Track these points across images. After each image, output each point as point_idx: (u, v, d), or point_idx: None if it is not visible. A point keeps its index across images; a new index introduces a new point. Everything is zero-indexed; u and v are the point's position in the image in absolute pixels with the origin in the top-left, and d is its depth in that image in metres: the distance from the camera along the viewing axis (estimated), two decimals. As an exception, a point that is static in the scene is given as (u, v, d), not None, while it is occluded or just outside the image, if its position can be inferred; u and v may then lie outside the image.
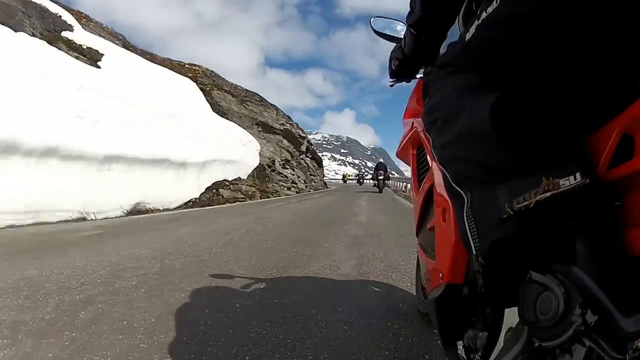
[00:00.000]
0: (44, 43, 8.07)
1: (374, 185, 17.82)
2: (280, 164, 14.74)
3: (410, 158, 1.28)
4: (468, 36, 0.56)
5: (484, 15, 0.51)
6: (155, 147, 7.40)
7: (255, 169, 12.08)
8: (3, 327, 1.41)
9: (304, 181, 17.04)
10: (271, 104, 20.45)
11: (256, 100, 19.04)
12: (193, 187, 8.33)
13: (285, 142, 17.24)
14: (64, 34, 10.38)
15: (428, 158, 1.03)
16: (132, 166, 6.66)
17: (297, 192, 14.32)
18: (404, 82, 1.11)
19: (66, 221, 4.78)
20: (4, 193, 4.29)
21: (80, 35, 10.85)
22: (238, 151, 11.51)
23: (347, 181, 43.20)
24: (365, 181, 33.86)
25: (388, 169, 18.44)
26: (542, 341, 0.43)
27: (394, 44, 1.02)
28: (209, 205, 8.00)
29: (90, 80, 7.72)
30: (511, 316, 0.54)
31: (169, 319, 1.54)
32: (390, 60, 0.98)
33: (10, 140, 4.59)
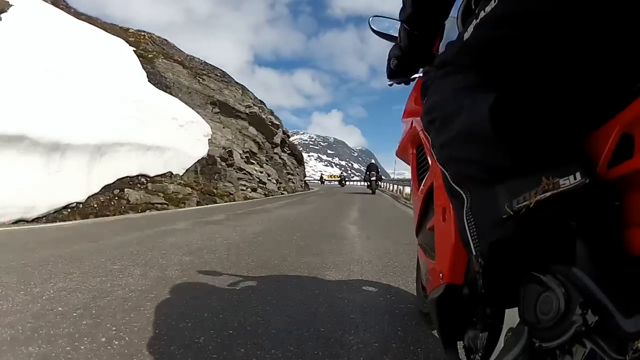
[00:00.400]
0: None
1: (367, 187, 17.23)
2: (242, 157, 11.46)
3: (410, 157, 1.28)
4: (466, 36, 0.56)
5: (482, 14, 0.51)
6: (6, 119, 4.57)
7: (199, 161, 8.94)
8: None
9: (277, 181, 14.04)
10: (238, 83, 16.40)
11: (216, 75, 15.08)
12: (78, 184, 5.36)
13: (252, 129, 13.75)
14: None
15: (428, 157, 1.03)
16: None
17: (264, 195, 11.41)
18: (402, 83, 1.10)
19: None
20: None
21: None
22: (169, 134, 8.31)
23: (324, 182, 45.60)
24: (347, 183, 34.57)
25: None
26: (543, 342, 0.43)
27: (393, 44, 1.01)
28: (102, 216, 5.23)
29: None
30: (511, 316, 0.54)
31: None
32: (389, 59, 0.98)
33: None
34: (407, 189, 11.99)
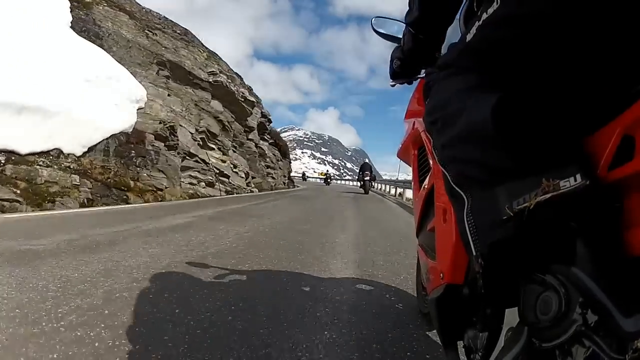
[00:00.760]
0: None
1: (360, 186, 16.70)
2: (194, 139, 8.87)
3: (411, 158, 1.28)
4: (469, 37, 0.56)
5: (484, 16, 0.52)
6: None
7: (115, 137, 6.17)
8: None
9: (246, 174, 11.13)
10: (205, 47, 11.91)
11: (175, 32, 10.84)
12: None
13: (215, 104, 10.41)
14: None
15: (429, 158, 1.03)
16: None
17: (226, 193, 9.28)
18: (405, 84, 1.11)
19: None
20: None
21: None
22: (66, 93, 5.52)
23: (307, 179, 46.69)
24: (337, 181, 34.48)
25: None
26: (542, 341, 0.43)
27: (395, 45, 1.01)
28: None
29: None
30: (511, 316, 0.54)
31: None
32: (392, 60, 0.98)
33: None
34: (407, 191, 11.70)
